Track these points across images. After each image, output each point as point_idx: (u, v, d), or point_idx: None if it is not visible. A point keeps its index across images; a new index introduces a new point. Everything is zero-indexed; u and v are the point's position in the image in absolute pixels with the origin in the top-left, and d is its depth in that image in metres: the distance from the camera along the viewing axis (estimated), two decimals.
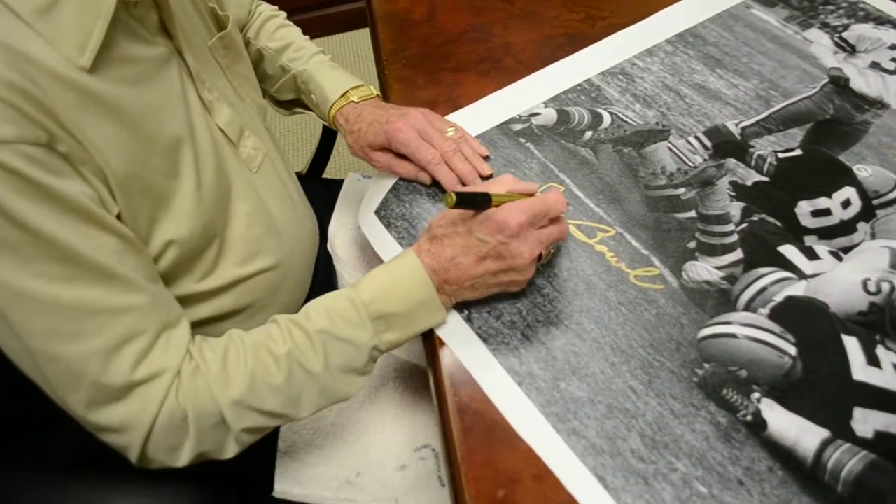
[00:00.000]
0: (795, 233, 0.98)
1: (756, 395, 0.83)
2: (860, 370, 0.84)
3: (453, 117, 1.16)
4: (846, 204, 1.01)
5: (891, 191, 1.02)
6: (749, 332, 0.88)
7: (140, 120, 0.83)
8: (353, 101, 1.17)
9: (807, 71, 1.21)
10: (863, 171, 1.05)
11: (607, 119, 1.15)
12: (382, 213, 1.06)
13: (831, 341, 0.87)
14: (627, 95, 1.18)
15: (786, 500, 0.76)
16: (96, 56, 0.77)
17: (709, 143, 1.10)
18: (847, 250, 0.96)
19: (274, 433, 1.06)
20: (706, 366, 0.86)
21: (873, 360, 0.85)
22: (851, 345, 0.87)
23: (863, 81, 1.18)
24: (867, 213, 1.00)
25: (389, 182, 1.10)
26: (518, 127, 1.14)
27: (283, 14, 1.36)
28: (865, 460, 0.78)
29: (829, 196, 1.02)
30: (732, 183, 1.05)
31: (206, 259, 0.94)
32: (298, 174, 1.24)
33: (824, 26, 1.29)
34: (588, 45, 1.29)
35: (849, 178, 1.04)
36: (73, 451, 1.03)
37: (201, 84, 0.95)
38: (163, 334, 0.82)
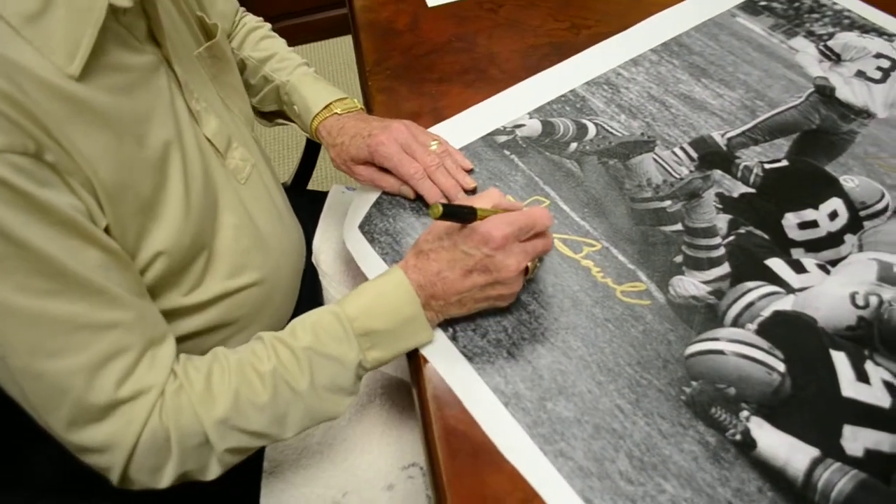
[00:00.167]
0: (782, 245, 0.98)
1: (745, 413, 0.82)
2: (849, 386, 0.83)
3: (437, 129, 1.15)
4: (833, 216, 1.00)
5: (878, 202, 1.02)
6: (737, 349, 0.87)
7: (129, 128, 0.82)
8: (336, 114, 1.16)
9: (792, 80, 1.21)
10: (849, 182, 1.04)
11: (592, 130, 1.14)
12: (366, 228, 1.04)
13: (820, 357, 0.86)
14: (612, 106, 1.17)
15: None
16: (85, 64, 0.76)
17: (695, 155, 1.09)
18: (834, 263, 0.96)
19: (259, 453, 1.04)
20: (694, 384, 0.85)
21: (862, 376, 0.84)
22: (840, 360, 0.86)
23: (848, 90, 1.17)
24: (854, 224, 1.00)
25: (373, 196, 1.09)
26: (502, 139, 1.13)
27: (268, 25, 1.34)
28: (856, 479, 0.77)
29: (816, 208, 1.01)
30: (719, 195, 1.04)
31: (193, 271, 0.92)
32: (283, 186, 1.23)
33: (810, 35, 1.29)
34: (573, 54, 1.28)
35: (835, 190, 1.04)
36: (54, 472, 1.02)
37: (189, 93, 0.94)
38: (148, 351, 0.81)
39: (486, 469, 0.80)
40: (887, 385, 0.84)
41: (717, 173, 1.07)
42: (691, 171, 1.07)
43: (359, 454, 1.07)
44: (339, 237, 1.27)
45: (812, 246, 0.97)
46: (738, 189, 1.05)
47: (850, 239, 0.98)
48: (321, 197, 1.40)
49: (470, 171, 1.08)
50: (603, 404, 0.84)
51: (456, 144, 1.11)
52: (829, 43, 1.27)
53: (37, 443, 0.88)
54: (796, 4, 1.36)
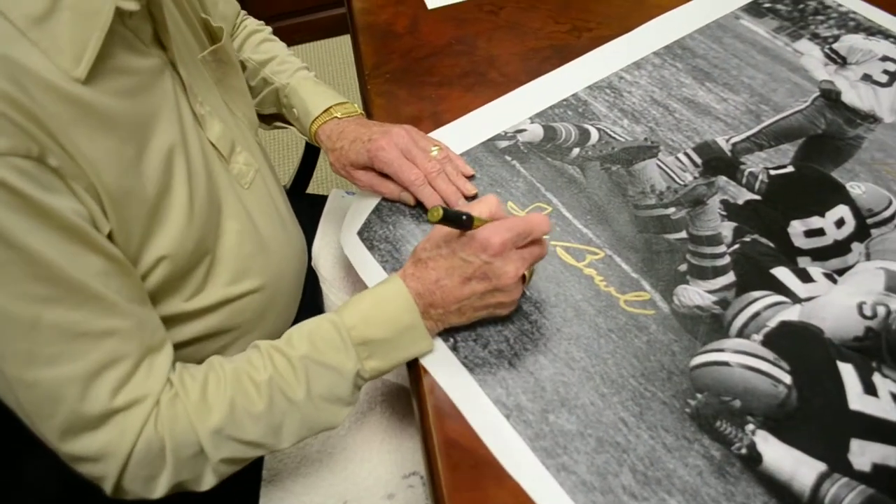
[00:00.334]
0: (788, 254, 0.96)
1: (750, 426, 0.81)
2: (857, 399, 0.82)
3: (437, 134, 1.13)
4: (840, 223, 0.99)
5: (885, 209, 1.00)
6: (742, 360, 0.86)
7: (134, 132, 0.81)
8: (335, 118, 1.15)
9: (797, 84, 1.19)
10: (856, 189, 1.03)
11: (595, 135, 1.12)
12: (365, 234, 1.03)
13: (827, 369, 0.85)
14: (615, 110, 1.16)
15: None
16: (91, 67, 0.75)
17: (699, 160, 1.08)
18: (841, 272, 0.94)
19: (258, 461, 1.03)
20: (699, 396, 0.83)
21: (870, 389, 0.83)
22: (847, 372, 0.84)
23: (854, 94, 1.16)
24: (861, 232, 0.98)
25: (372, 202, 1.07)
26: (504, 144, 1.12)
27: (269, 29, 1.33)
28: (863, 495, 0.75)
29: (823, 215, 1.00)
30: (723, 202, 1.02)
31: (195, 277, 0.91)
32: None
33: (814, 37, 1.27)
34: (574, 57, 1.26)
35: (842, 196, 1.02)
36: (51, 480, 1.01)
37: (193, 97, 0.93)
38: (145, 359, 0.80)
39: (487, 483, 0.79)
40: None
41: (722, 180, 1.05)
42: (695, 178, 1.06)
43: (358, 462, 1.06)
44: (338, 242, 1.26)
45: (818, 254, 0.96)
46: (743, 196, 1.03)
47: (857, 247, 0.97)
48: (320, 201, 1.39)
49: (471, 178, 1.07)
50: (606, 417, 0.82)
51: (457, 149, 1.10)
52: (835, 45, 1.25)
53: (34, 451, 0.87)
54: (801, 6, 1.34)
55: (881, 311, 0.89)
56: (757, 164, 1.07)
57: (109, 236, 0.78)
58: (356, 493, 1.03)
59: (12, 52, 0.69)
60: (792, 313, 0.90)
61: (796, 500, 0.76)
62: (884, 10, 1.31)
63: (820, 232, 0.98)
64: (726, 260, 0.96)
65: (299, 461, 1.06)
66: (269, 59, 1.25)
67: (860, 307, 0.90)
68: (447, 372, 0.88)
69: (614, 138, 1.12)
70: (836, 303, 0.91)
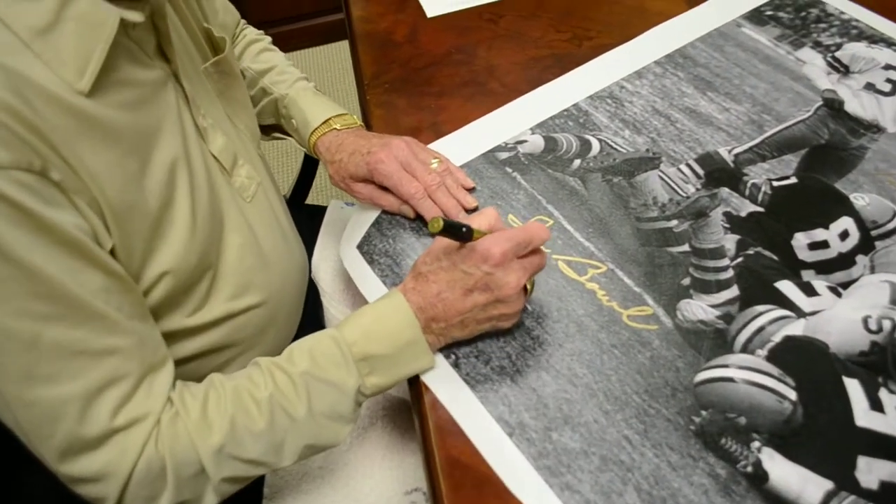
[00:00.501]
0: (792, 267, 0.95)
1: (756, 443, 0.80)
2: (863, 416, 0.81)
3: (437, 146, 1.13)
4: (844, 235, 0.98)
5: (889, 220, 0.99)
6: (747, 376, 0.85)
7: (137, 145, 0.80)
8: (334, 129, 1.14)
9: (800, 93, 1.18)
10: (860, 200, 1.02)
11: (596, 146, 1.11)
12: (365, 248, 1.02)
13: (832, 384, 0.84)
14: (616, 121, 1.15)
15: None
16: (95, 79, 0.74)
17: (701, 172, 1.07)
18: (846, 285, 0.93)
19: (259, 479, 1.02)
20: (703, 413, 0.83)
21: (876, 405, 0.82)
22: (853, 388, 0.84)
23: (857, 104, 1.15)
24: (866, 245, 0.97)
25: (372, 215, 1.07)
26: (504, 155, 1.11)
27: (268, 38, 1.32)
28: None
29: (827, 227, 0.99)
30: (726, 214, 1.02)
31: (198, 292, 0.90)
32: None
33: (817, 45, 1.26)
34: (575, 66, 1.26)
35: (846, 208, 1.01)
36: (49, 499, 0.99)
37: (196, 109, 0.92)
38: (146, 378, 0.79)
39: (490, 502, 0.78)
40: None
41: (725, 191, 1.04)
42: (698, 189, 1.05)
43: (360, 479, 1.05)
44: (338, 255, 1.25)
45: (823, 268, 0.95)
46: (746, 208, 1.02)
47: (861, 260, 0.96)
48: (320, 212, 1.38)
49: (471, 190, 1.06)
50: (610, 435, 0.81)
51: (457, 161, 1.09)
52: (837, 54, 1.24)
53: (32, 468, 0.86)
54: (803, 14, 1.33)
55: (887, 325, 0.88)
56: (760, 175, 1.06)
57: (112, 252, 0.77)
58: None
59: (15, 64, 0.69)
60: (796, 328, 0.89)
61: None
62: (886, 18, 1.30)
63: (824, 244, 0.97)
64: (730, 273, 0.95)
65: (300, 478, 1.05)
66: (269, 69, 1.25)
67: (865, 321, 0.89)
68: (449, 389, 0.87)
69: (616, 149, 1.11)
70: (841, 317, 0.90)
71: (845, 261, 0.96)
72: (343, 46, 3.10)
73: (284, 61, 1.28)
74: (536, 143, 1.13)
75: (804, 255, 0.97)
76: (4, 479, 0.99)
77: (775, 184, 1.05)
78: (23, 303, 0.69)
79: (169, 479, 0.79)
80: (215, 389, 0.84)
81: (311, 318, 1.18)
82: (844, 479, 0.77)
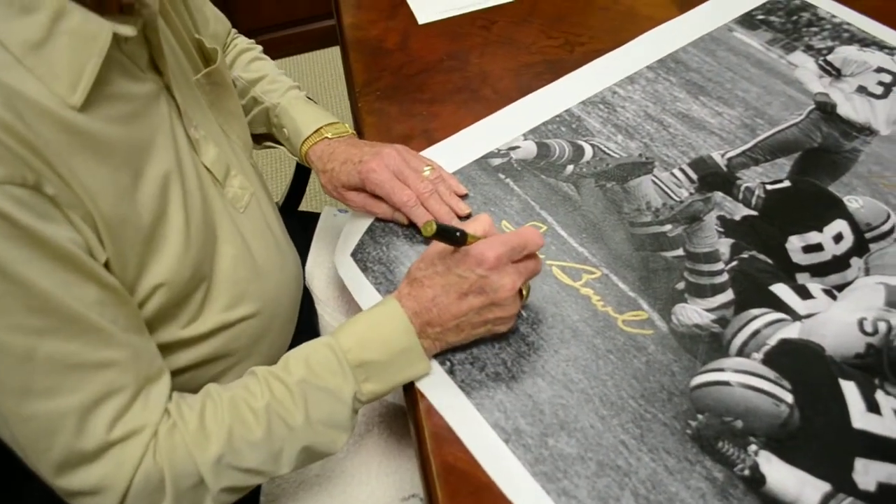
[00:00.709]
0: (787, 270, 0.95)
1: (753, 447, 0.80)
2: (860, 417, 0.81)
3: (429, 153, 1.12)
4: (838, 238, 0.98)
5: (883, 223, 0.99)
6: (743, 380, 0.85)
7: (130, 159, 0.80)
8: (326, 138, 1.13)
9: (792, 97, 1.18)
10: (854, 203, 1.02)
11: (589, 152, 1.11)
12: (358, 256, 1.02)
13: (828, 387, 0.84)
14: (609, 126, 1.15)
15: None
16: (88, 94, 0.74)
17: (694, 176, 1.07)
18: (841, 288, 0.93)
19: (255, 487, 1.02)
20: (700, 417, 0.82)
21: (873, 407, 0.82)
22: (850, 390, 0.83)
23: (850, 107, 1.15)
24: (860, 247, 0.97)
25: (365, 222, 1.06)
26: (497, 162, 1.11)
27: (259, 47, 1.32)
28: None
29: (821, 230, 0.99)
30: (720, 218, 1.02)
31: (192, 304, 0.90)
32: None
33: (808, 49, 1.27)
34: (567, 72, 1.26)
35: (840, 211, 1.01)
36: None
37: (188, 121, 0.92)
38: (143, 390, 0.79)
39: None
40: None
41: (718, 195, 1.04)
42: (691, 194, 1.05)
43: (357, 485, 1.04)
44: (331, 262, 1.25)
45: (817, 270, 0.95)
46: (740, 212, 1.02)
47: (856, 262, 0.96)
48: (313, 219, 1.38)
49: (464, 197, 1.06)
50: (606, 440, 0.81)
51: (449, 168, 1.09)
52: (829, 57, 1.24)
53: (30, 482, 0.86)
54: (794, 18, 1.33)
55: (882, 326, 0.88)
56: (753, 178, 1.06)
57: (106, 265, 0.77)
58: None
59: (8, 79, 0.68)
60: (792, 331, 0.89)
61: None
62: (877, 21, 1.30)
63: (818, 247, 0.97)
64: (724, 277, 0.95)
65: (297, 486, 1.05)
66: (260, 78, 1.24)
67: (861, 323, 0.89)
68: (444, 396, 0.86)
69: (609, 154, 1.11)
70: (836, 319, 0.90)
71: (840, 263, 0.96)
72: (335, 52, 3.11)
73: (275, 70, 1.28)
74: (529, 149, 1.12)
75: (798, 258, 0.97)
76: (1, 493, 0.98)
77: (769, 187, 1.05)
78: (18, 317, 0.68)
79: (167, 491, 0.79)
80: (212, 400, 0.83)
81: (306, 325, 1.18)
82: (842, 482, 0.77)
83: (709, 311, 0.92)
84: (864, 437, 0.80)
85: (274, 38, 2.90)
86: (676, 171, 1.08)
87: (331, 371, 0.84)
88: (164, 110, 0.88)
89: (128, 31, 0.78)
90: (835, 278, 0.95)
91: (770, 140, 1.12)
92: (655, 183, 1.06)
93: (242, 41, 1.31)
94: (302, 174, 1.56)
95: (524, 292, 0.89)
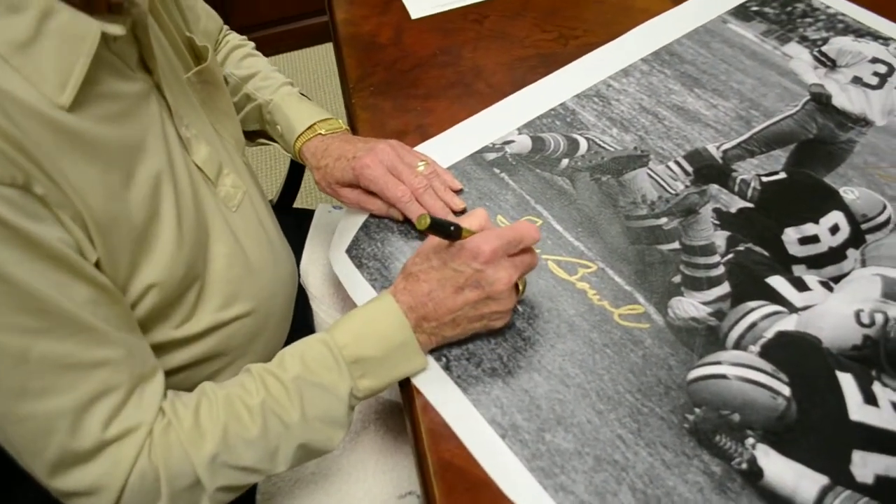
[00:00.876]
0: (783, 262, 0.95)
1: (750, 440, 0.79)
2: (857, 410, 0.81)
3: (424, 148, 1.12)
4: (834, 230, 0.98)
5: (879, 214, 0.99)
6: (740, 373, 0.84)
7: (120, 158, 0.80)
8: (320, 134, 1.13)
9: (787, 88, 1.18)
10: (850, 194, 1.02)
11: (584, 145, 1.11)
12: (353, 252, 1.02)
13: (826, 379, 0.84)
14: (604, 119, 1.15)
15: None
16: (77, 93, 0.73)
17: (690, 169, 1.07)
18: (837, 279, 0.93)
19: (252, 486, 1.02)
20: (697, 410, 0.82)
21: (870, 399, 0.82)
22: (847, 382, 0.83)
23: (845, 98, 1.15)
24: (856, 238, 0.97)
25: (360, 219, 1.06)
26: (492, 156, 1.10)
27: (252, 44, 1.31)
28: None
29: (817, 222, 0.99)
30: (716, 210, 1.01)
31: (185, 303, 0.89)
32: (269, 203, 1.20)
33: (803, 40, 1.26)
34: (561, 65, 1.25)
35: (836, 202, 1.01)
36: None
37: (179, 120, 0.91)
38: (137, 388, 0.78)
39: None
40: None
41: (714, 188, 1.04)
42: (687, 186, 1.04)
43: (353, 483, 1.04)
44: (326, 259, 1.24)
45: (814, 262, 0.95)
46: (736, 204, 1.02)
47: (852, 254, 0.96)
48: (307, 216, 1.37)
49: (459, 192, 1.05)
50: (603, 434, 0.81)
51: (444, 163, 1.08)
52: (824, 48, 1.24)
53: (24, 483, 0.85)
54: (789, 9, 1.33)
55: (879, 318, 0.88)
56: (749, 170, 1.06)
57: (97, 265, 0.76)
58: None
59: None
60: (789, 323, 0.89)
61: None
62: (872, 12, 1.30)
63: (814, 239, 0.97)
64: (720, 270, 0.94)
65: (293, 484, 1.04)
66: (252, 75, 1.24)
67: (857, 315, 0.89)
68: (440, 392, 0.86)
69: (604, 148, 1.10)
70: (833, 311, 0.90)
71: (836, 255, 0.96)
72: (328, 49, 3.10)
73: (268, 66, 1.27)
74: (524, 143, 1.12)
75: (795, 250, 0.96)
76: None
77: (764, 179, 1.05)
78: (10, 318, 0.68)
79: (163, 490, 0.78)
80: (207, 398, 0.83)
81: (301, 322, 1.17)
82: (839, 474, 0.76)
83: (705, 304, 0.91)
84: (861, 429, 0.80)
85: (267, 35, 2.89)
86: (672, 164, 1.07)
87: (326, 367, 0.84)
88: (155, 109, 0.87)
89: (117, 30, 0.77)
90: (831, 270, 0.94)
91: (765, 132, 1.11)
92: (651, 176, 1.06)
93: (234, 38, 1.30)
94: (296, 171, 1.56)
95: (520, 287, 0.88)
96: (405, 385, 0.88)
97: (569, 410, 0.83)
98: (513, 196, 1.05)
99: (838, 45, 1.24)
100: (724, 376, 0.84)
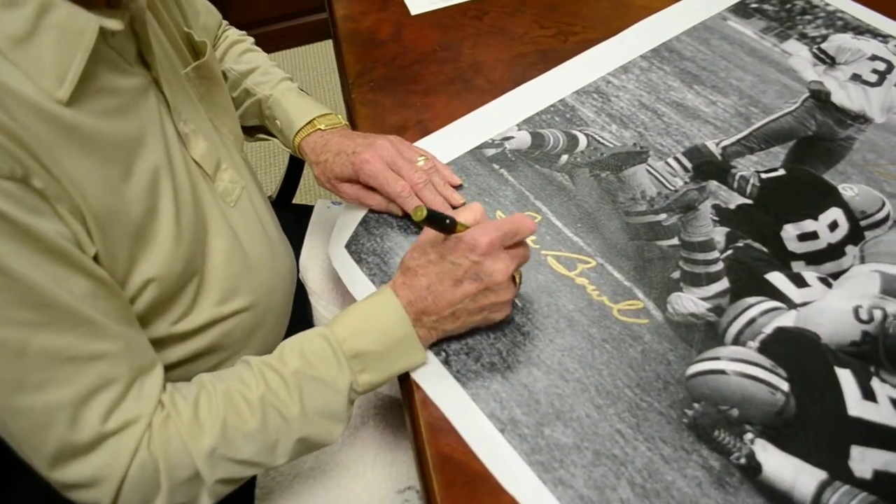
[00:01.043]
0: (782, 259, 0.95)
1: (749, 435, 0.80)
2: (855, 405, 0.81)
3: (423, 143, 1.12)
4: (833, 226, 0.98)
5: (878, 210, 0.99)
6: (739, 368, 0.84)
7: (119, 153, 0.80)
8: (319, 130, 1.13)
9: (786, 85, 1.18)
10: (849, 191, 1.02)
11: (583, 141, 1.11)
12: (353, 247, 1.02)
13: (824, 375, 0.84)
14: (603, 115, 1.15)
15: None
16: (75, 88, 0.73)
17: (689, 165, 1.07)
18: (836, 276, 0.93)
19: (250, 479, 1.02)
20: (696, 405, 0.82)
21: (869, 394, 0.82)
22: (845, 378, 0.83)
23: (844, 95, 1.15)
24: (855, 235, 0.97)
25: (359, 214, 1.06)
26: (491, 152, 1.11)
27: (251, 39, 1.31)
28: (865, 503, 0.74)
29: (816, 218, 0.99)
30: (715, 207, 1.01)
31: (184, 298, 0.89)
32: (268, 199, 1.20)
33: (802, 37, 1.26)
34: (561, 62, 1.25)
35: (835, 199, 1.01)
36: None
37: (177, 115, 0.91)
38: (136, 381, 0.78)
39: (483, 499, 0.78)
40: (895, 403, 0.81)
41: (713, 184, 1.04)
42: (686, 183, 1.04)
43: (352, 478, 1.04)
44: (325, 254, 1.24)
45: (813, 258, 0.95)
46: (735, 200, 1.02)
47: (851, 250, 0.96)
48: (307, 212, 1.37)
49: (458, 187, 1.05)
50: (602, 429, 0.81)
51: (443, 159, 1.08)
52: (823, 45, 1.24)
53: (25, 476, 0.85)
54: (788, 6, 1.33)
55: (877, 314, 0.88)
56: (748, 167, 1.06)
57: (95, 259, 0.76)
58: None
59: None
60: (787, 319, 0.89)
61: None
62: (871, 9, 1.30)
63: (813, 235, 0.97)
64: (719, 266, 0.95)
65: (293, 479, 1.05)
66: (252, 70, 1.24)
67: (856, 311, 0.89)
68: (440, 386, 0.86)
69: (603, 144, 1.10)
70: (831, 307, 0.90)
71: (835, 251, 0.96)
72: (328, 46, 3.10)
73: (268, 62, 1.27)
74: (523, 139, 1.12)
75: (794, 246, 0.96)
76: None
77: (763, 176, 1.05)
78: (10, 311, 0.68)
79: (162, 482, 0.78)
80: (206, 391, 0.83)
81: (300, 318, 1.17)
82: (838, 469, 0.77)
83: (704, 299, 0.91)
84: (859, 424, 0.80)
85: (267, 32, 2.89)
86: (671, 161, 1.08)
87: (326, 361, 0.84)
88: (153, 104, 0.87)
89: (115, 25, 0.77)
90: (830, 266, 0.94)
91: (764, 128, 1.11)
92: (650, 172, 1.06)
93: (234, 33, 1.30)
94: (296, 167, 1.56)
95: (517, 279, 0.88)
96: (404, 379, 0.88)
97: (568, 405, 0.83)
98: (512, 192, 1.05)
99: (837, 42, 1.25)
100: (722, 372, 0.84)
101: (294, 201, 1.60)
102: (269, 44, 1.33)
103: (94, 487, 0.76)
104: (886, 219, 0.99)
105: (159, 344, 0.87)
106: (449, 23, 1.36)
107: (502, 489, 0.78)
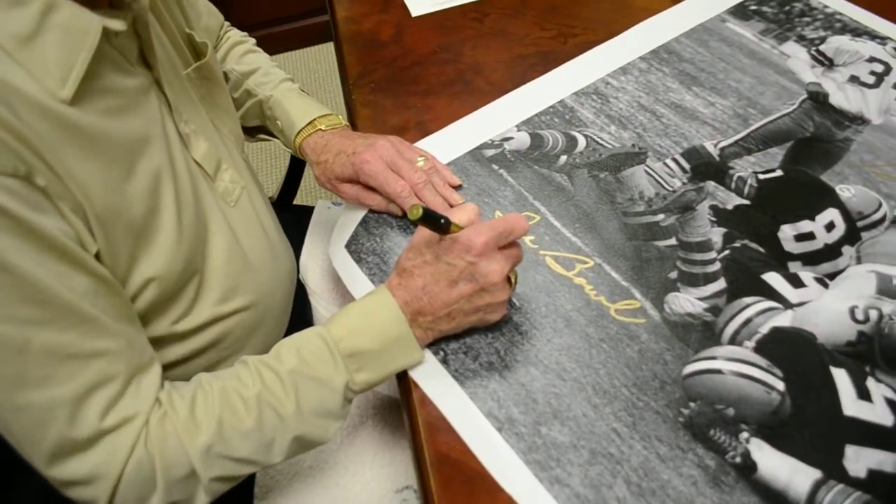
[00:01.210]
0: (779, 259, 0.96)
1: (744, 434, 0.80)
2: (851, 405, 0.82)
3: (423, 144, 1.12)
4: (830, 227, 0.98)
5: (875, 211, 1.00)
6: (735, 367, 0.85)
7: (121, 152, 0.80)
8: (320, 130, 1.13)
9: (785, 87, 1.19)
10: (846, 192, 1.02)
11: (582, 142, 1.11)
12: (353, 247, 1.02)
13: (820, 375, 0.84)
14: (602, 117, 1.15)
15: None
16: (78, 87, 0.74)
17: (687, 166, 1.07)
18: (832, 276, 0.94)
19: (250, 478, 1.02)
20: (692, 405, 0.83)
21: (864, 394, 0.82)
22: (841, 378, 0.84)
23: (842, 96, 1.15)
24: (852, 235, 0.98)
25: (359, 214, 1.06)
26: (491, 153, 1.11)
27: (252, 40, 1.32)
28: (860, 502, 0.75)
29: (813, 219, 0.99)
30: (713, 207, 1.02)
31: (184, 298, 0.90)
32: (269, 200, 1.21)
33: (801, 39, 1.27)
34: (560, 63, 1.26)
35: (832, 200, 1.02)
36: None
37: (178, 116, 0.92)
38: (134, 379, 0.79)
39: (480, 498, 0.78)
40: (889, 403, 0.82)
41: (711, 185, 1.05)
42: (684, 183, 1.05)
43: (351, 477, 1.05)
44: (326, 254, 1.25)
45: (809, 259, 0.95)
46: (733, 201, 1.03)
47: (847, 251, 0.96)
48: (307, 212, 1.38)
49: (458, 188, 1.06)
50: (599, 428, 0.81)
51: (443, 159, 1.09)
52: (821, 47, 1.25)
53: (23, 473, 0.86)
54: (787, 8, 1.34)
55: (873, 314, 0.89)
56: (745, 168, 1.07)
57: (97, 257, 0.77)
58: None
59: None
60: (784, 319, 0.89)
61: None
62: (869, 11, 1.31)
63: (810, 236, 0.98)
64: (717, 266, 0.95)
65: (291, 477, 1.05)
66: (253, 71, 1.24)
67: (852, 311, 0.89)
68: (438, 385, 0.87)
69: (602, 145, 1.11)
70: (828, 308, 0.90)
71: (832, 252, 0.96)
72: (329, 48, 3.10)
73: (269, 63, 1.27)
74: (522, 140, 1.13)
75: (791, 246, 0.97)
76: None
77: (761, 177, 1.05)
78: (11, 308, 0.68)
79: (158, 480, 0.79)
80: (203, 389, 0.83)
81: (300, 317, 1.18)
82: (833, 468, 0.77)
83: (701, 299, 0.92)
84: (854, 424, 0.80)
85: (269, 34, 2.89)
86: (669, 161, 1.08)
87: (322, 360, 0.85)
88: (155, 105, 0.88)
89: (117, 25, 0.78)
90: (826, 267, 0.95)
91: (762, 130, 1.12)
92: (648, 173, 1.07)
93: (235, 34, 1.31)
94: (296, 168, 1.56)
95: (512, 280, 0.89)
96: (403, 378, 0.89)
97: (565, 404, 0.83)
98: (511, 192, 1.05)
99: (836, 44, 1.25)
100: (719, 371, 0.85)
101: (295, 202, 1.61)
102: (271, 46, 1.33)
103: (91, 484, 0.76)
104: (883, 219, 0.99)
105: (159, 343, 0.88)
106: (450, 24, 1.36)
107: (500, 488, 0.78)
